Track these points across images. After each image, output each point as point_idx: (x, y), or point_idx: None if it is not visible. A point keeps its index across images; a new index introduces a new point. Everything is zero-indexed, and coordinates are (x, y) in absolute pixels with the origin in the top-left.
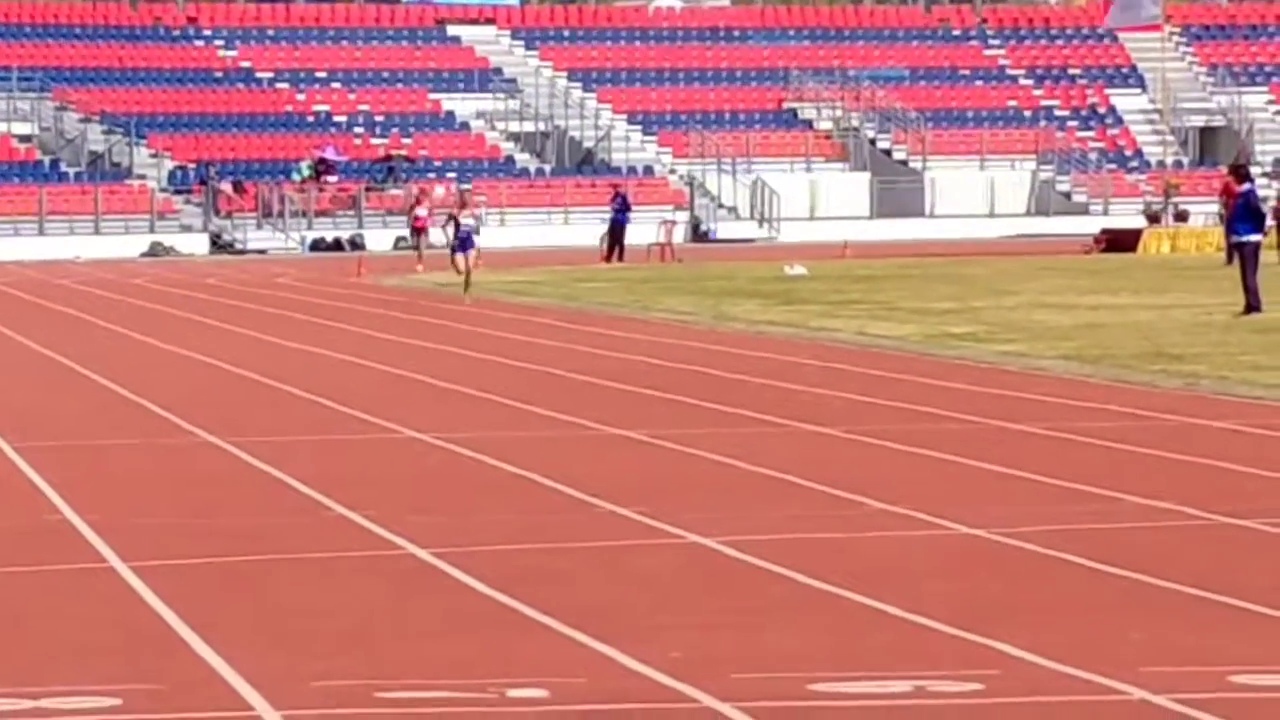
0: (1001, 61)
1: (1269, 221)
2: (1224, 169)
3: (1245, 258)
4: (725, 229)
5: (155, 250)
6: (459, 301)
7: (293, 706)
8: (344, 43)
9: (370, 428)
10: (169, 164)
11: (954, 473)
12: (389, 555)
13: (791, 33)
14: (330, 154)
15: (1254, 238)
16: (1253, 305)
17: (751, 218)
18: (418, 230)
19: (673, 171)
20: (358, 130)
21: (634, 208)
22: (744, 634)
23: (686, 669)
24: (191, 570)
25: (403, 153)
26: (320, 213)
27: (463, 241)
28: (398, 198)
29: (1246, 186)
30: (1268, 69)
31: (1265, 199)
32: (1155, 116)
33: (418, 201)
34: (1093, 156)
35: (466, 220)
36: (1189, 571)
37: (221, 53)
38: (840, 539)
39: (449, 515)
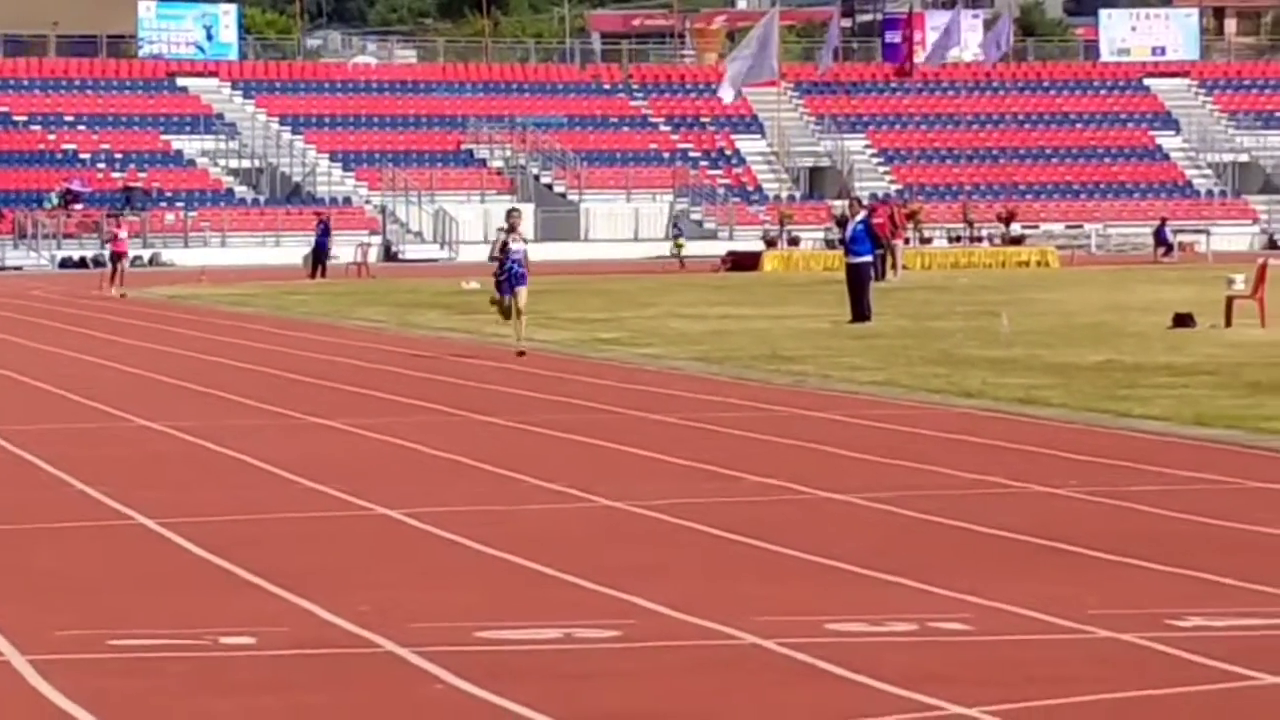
0: (645, 111)
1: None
2: (847, 200)
3: (864, 275)
4: (412, 251)
5: None
6: (513, 358)
7: (38, 652)
8: (89, 92)
9: (107, 417)
10: None
11: (601, 455)
12: (121, 525)
13: (469, 85)
14: (77, 185)
15: (869, 258)
16: (865, 315)
17: (435, 241)
18: (117, 255)
19: (368, 202)
20: (100, 166)
21: (335, 232)
22: (421, 591)
23: (373, 620)
24: None
25: (139, 185)
26: (68, 235)
27: (510, 275)
28: (135, 222)
29: (862, 215)
30: (865, 119)
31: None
32: (772, 158)
33: (117, 227)
34: (720, 191)
35: (517, 245)
36: (795, 537)
37: None
38: (504, 510)
39: (173, 491)
